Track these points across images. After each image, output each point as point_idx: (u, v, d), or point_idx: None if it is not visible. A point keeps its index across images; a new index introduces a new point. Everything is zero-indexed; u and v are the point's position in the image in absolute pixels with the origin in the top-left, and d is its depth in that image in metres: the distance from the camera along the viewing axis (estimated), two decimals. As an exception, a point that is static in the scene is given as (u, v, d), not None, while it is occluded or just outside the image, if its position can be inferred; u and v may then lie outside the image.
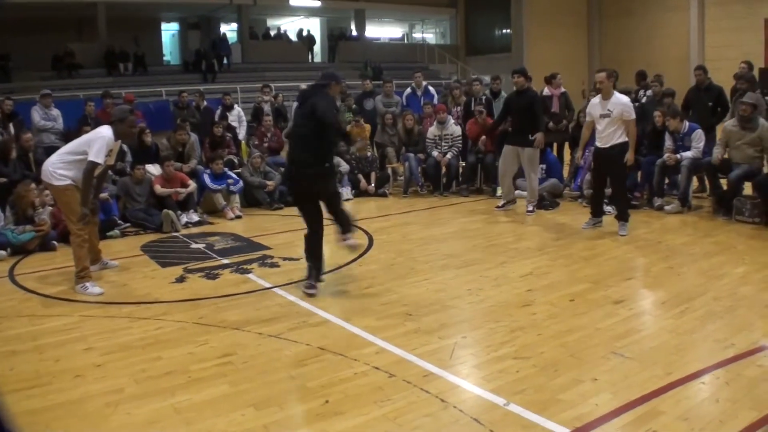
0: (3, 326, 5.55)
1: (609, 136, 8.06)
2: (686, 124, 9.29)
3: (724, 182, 8.93)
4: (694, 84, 10.65)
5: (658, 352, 4.54)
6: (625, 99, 8.21)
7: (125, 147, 10.17)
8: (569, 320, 5.23)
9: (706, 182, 9.76)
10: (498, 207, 10.01)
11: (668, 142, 9.40)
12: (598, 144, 8.26)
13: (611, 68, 8.89)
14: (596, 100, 8.33)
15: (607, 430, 3.56)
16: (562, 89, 11.90)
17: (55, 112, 11.59)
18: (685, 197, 9.23)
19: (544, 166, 10.51)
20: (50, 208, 8.52)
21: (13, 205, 8.42)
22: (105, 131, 6.64)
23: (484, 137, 10.56)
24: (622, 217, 8.21)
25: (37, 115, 11.33)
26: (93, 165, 6.47)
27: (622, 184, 8.45)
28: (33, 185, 8.45)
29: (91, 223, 6.92)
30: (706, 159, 9.02)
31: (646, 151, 9.74)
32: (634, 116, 8.10)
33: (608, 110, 8.02)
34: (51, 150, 8.32)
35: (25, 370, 4.57)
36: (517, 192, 10.26)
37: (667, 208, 9.27)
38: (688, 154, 9.11)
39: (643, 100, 11.35)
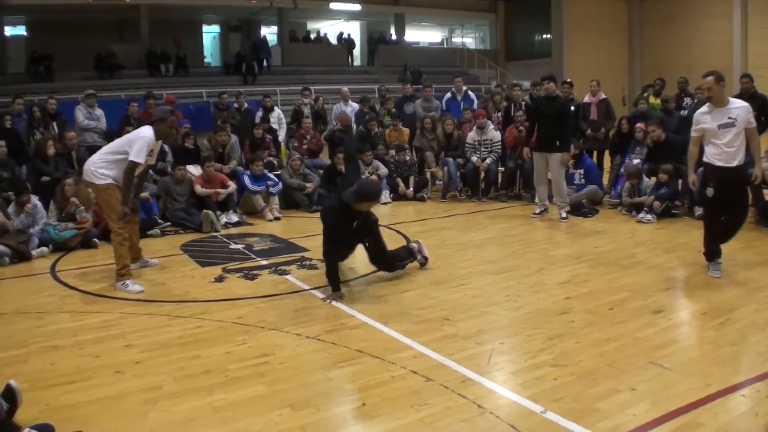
0: (44, 321, 5.65)
1: (736, 151, 6.41)
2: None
3: (764, 192, 8.78)
4: (739, 92, 10.47)
5: (698, 363, 4.47)
6: (745, 102, 6.59)
7: (166, 147, 10.31)
8: (608, 329, 5.17)
9: (749, 192, 9.59)
10: (534, 214, 9.95)
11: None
12: (718, 162, 6.47)
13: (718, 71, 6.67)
14: (705, 109, 6.58)
15: (646, 441, 3.52)
16: (602, 96, 11.80)
17: (99, 111, 11.75)
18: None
19: (581, 171, 10.41)
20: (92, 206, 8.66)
21: (57, 201, 8.57)
22: (146, 131, 6.72)
23: (526, 149, 10.14)
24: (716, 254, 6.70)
25: (81, 114, 11.50)
26: (133, 164, 6.55)
27: (746, 213, 7.03)
28: (74, 179, 8.58)
29: (131, 221, 7.02)
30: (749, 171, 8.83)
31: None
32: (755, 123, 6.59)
33: (730, 118, 6.33)
34: (93, 149, 8.45)
35: (65, 365, 4.65)
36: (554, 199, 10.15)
37: (708, 217, 9.09)
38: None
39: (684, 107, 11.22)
